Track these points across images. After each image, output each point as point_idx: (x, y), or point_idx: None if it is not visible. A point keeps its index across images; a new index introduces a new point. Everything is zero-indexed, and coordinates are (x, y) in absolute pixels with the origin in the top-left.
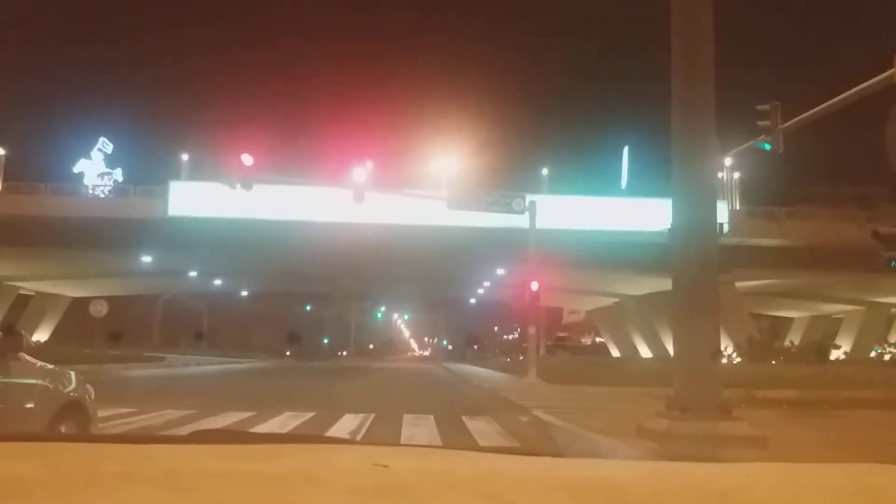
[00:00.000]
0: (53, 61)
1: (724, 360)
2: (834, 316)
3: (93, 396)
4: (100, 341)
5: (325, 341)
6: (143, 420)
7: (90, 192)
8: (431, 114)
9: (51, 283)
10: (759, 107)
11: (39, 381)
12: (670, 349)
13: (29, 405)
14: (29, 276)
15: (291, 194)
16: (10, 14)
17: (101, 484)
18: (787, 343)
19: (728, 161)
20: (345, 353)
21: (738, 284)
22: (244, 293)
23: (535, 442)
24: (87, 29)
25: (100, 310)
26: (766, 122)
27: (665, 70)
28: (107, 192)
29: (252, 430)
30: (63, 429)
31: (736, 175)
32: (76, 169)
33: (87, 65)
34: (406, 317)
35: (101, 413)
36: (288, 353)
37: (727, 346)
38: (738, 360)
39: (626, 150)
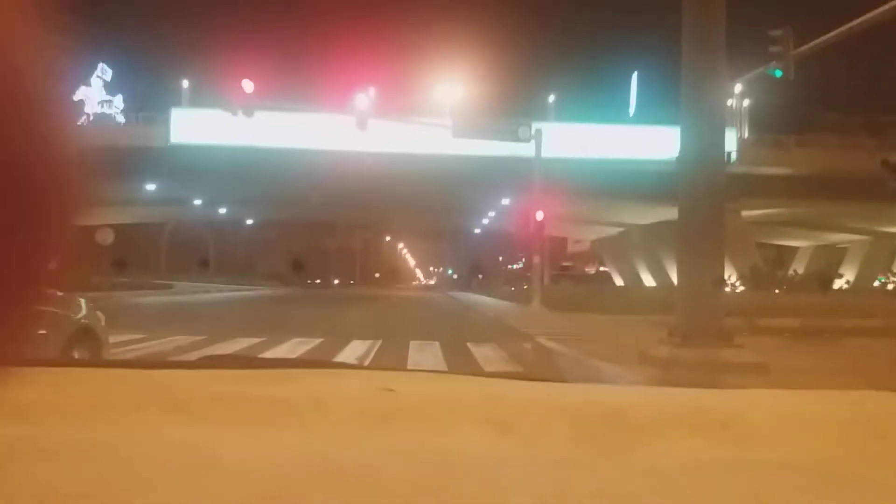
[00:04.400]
0: None
1: (728, 289)
2: (839, 245)
3: (104, 323)
4: (106, 269)
5: (331, 270)
6: (154, 346)
7: (90, 120)
8: (436, 39)
9: None
10: (771, 32)
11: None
12: (674, 279)
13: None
14: None
15: (294, 121)
16: None
17: (113, 408)
18: (791, 272)
19: (738, 88)
20: (351, 282)
21: (745, 213)
22: (249, 222)
23: (538, 368)
24: None
25: (106, 238)
26: (778, 49)
27: None
28: (107, 121)
29: (261, 355)
30: (75, 354)
31: (745, 102)
32: (76, 97)
33: None
34: (412, 244)
35: (112, 339)
36: (295, 281)
37: (731, 275)
38: (742, 288)
39: (634, 76)
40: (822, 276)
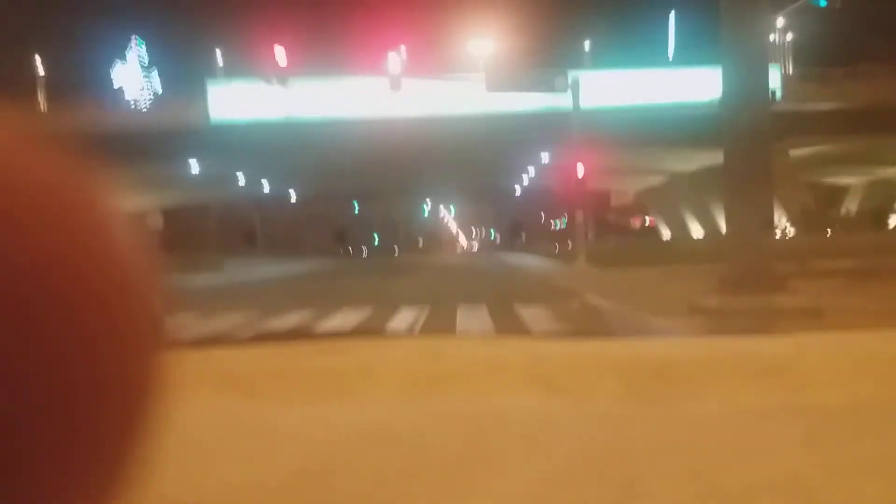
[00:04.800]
0: None
1: (778, 233)
2: (894, 180)
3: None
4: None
5: (376, 239)
6: (209, 324)
7: (133, 106)
8: None
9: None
10: None
11: None
12: (724, 227)
13: None
14: None
15: (328, 88)
16: None
17: (168, 388)
18: (843, 211)
19: (780, 22)
20: (396, 249)
21: (792, 153)
22: (293, 197)
23: (586, 325)
24: None
25: (154, 222)
26: None
27: None
28: (147, 105)
29: (313, 328)
30: None
31: (789, 37)
32: (113, 76)
33: None
34: (452, 208)
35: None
36: (340, 253)
37: (781, 218)
38: (793, 231)
39: (671, 16)
40: (877, 214)
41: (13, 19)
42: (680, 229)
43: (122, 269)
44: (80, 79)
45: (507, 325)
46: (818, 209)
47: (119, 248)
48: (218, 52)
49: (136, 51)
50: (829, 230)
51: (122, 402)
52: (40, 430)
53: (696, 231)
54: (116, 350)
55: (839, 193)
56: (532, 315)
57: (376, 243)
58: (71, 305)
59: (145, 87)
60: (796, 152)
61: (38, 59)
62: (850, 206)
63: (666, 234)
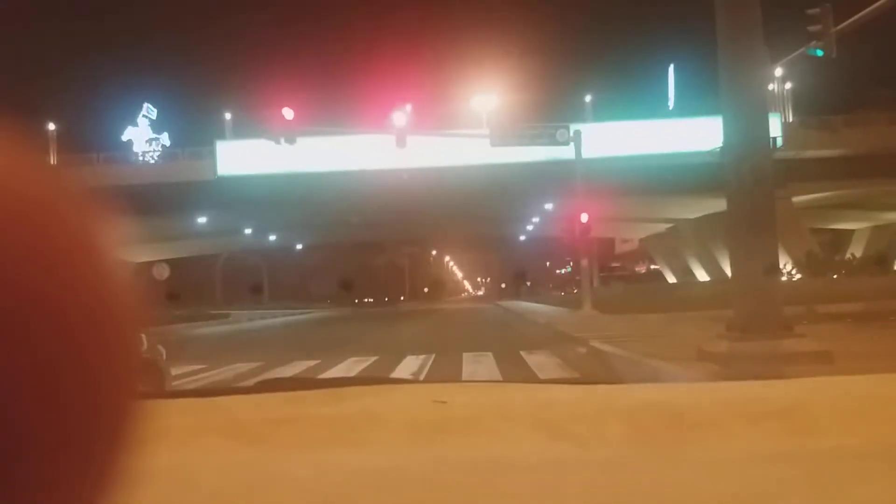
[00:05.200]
0: (92, 33)
1: (784, 277)
2: None
3: (165, 356)
4: (163, 303)
5: (381, 288)
6: (214, 375)
7: (140, 158)
8: (468, 51)
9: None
10: (810, 11)
11: None
12: (728, 271)
13: None
14: None
15: (335, 144)
16: None
17: (173, 437)
18: (848, 256)
19: (778, 71)
20: (402, 298)
21: (795, 199)
22: (299, 246)
23: (594, 371)
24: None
25: (162, 273)
26: (818, 27)
27: None
28: (156, 158)
29: (318, 376)
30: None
31: (788, 86)
32: (124, 137)
33: (126, 34)
34: (457, 256)
35: (173, 371)
36: (346, 302)
37: (786, 263)
38: (799, 276)
39: (671, 69)
40: (882, 258)
41: (31, 88)
42: (685, 274)
43: (112, 316)
44: (93, 139)
45: (514, 372)
46: (823, 253)
47: (114, 294)
48: (228, 115)
49: (148, 116)
50: (835, 274)
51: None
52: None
53: (701, 275)
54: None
55: (844, 238)
56: (538, 362)
57: (381, 291)
58: (62, 348)
59: (154, 143)
60: (799, 198)
61: (51, 125)
62: (855, 250)
63: (671, 278)
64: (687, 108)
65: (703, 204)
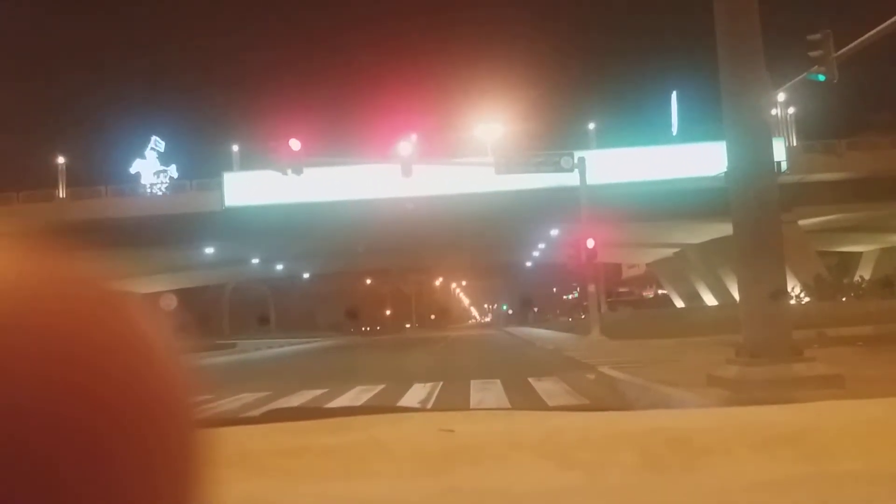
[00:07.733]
0: (101, 68)
1: (792, 301)
2: None
3: None
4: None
5: (387, 316)
6: (221, 405)
7: (148, 190)
8: (473, 81)
9: (120, 283)
10: (810, 37)
11: None
12: (736, 296)
13: None
14: None
15: (341, 175)
16: (55, 24)
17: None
18: (856, 279)
19: (781, 97)
20: (408, 326)
21: (802, 222)
22: (306, 276)
23: (603, 398)
24: (131, 35)
25: (169, 303)
26: (819, 52)
27: (708, 6)
28: (164, 190)
29: (325, 406)
30: None
31: (790, 110)
32: (132, 169)
33: (135, 68)
34: (464, 283)
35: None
36: (353, 330)
37: (794, 287)
38: (807, 299)
39: (674, 95)
40: (890, 280)
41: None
42: (692, 298)
43: (142, 354)
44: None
45: (522, 399)
46: (831, 277)
47: (138, 335)
48: (235, 147)
49: (157, 148)
50: (843, 297)
51: (162, 479)
52: None
53: (709, 299)
54: (152, 431)
55: (852, 261)
56: (546, 389)
57: (388, 319)
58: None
59: (162, 176)
60: (806, 221)
61: (60, 158)
62: (864, 273)
63: (678, 303)
64: (690, 133)
65: (710, 228)
